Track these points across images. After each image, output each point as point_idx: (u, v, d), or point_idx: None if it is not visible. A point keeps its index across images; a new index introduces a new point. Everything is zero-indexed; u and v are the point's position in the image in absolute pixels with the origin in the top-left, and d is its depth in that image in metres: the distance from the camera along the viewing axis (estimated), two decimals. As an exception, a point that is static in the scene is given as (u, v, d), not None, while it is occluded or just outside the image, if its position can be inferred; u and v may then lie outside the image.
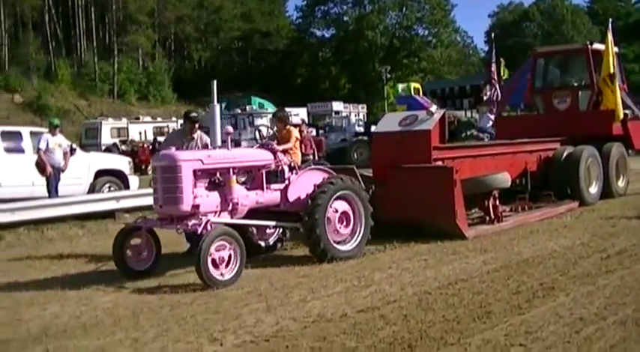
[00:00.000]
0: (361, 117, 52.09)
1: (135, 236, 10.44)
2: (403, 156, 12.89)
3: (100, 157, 22.06)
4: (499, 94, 22.33)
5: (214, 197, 10.23)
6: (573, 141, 16.96)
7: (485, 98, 25.85)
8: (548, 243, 11.68)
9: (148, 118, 50.84)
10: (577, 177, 16.03)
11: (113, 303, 8.84)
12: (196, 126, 12.02)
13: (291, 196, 11.07)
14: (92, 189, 19.02)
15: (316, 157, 23.72)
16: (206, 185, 10.27)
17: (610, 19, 20.09)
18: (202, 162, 10.14)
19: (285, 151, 11.40)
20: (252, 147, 12.42)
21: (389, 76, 65.42)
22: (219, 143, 11.08)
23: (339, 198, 11.02)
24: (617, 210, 15.24)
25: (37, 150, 17.23)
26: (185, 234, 11.06)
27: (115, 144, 42.33)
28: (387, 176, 12.85)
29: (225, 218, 10.29)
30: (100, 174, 19.48)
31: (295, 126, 12.71)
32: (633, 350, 6.26)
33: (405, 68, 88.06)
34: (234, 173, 10.48)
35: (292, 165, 11.36)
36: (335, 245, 10.95)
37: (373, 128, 26.00)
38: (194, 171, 10.01)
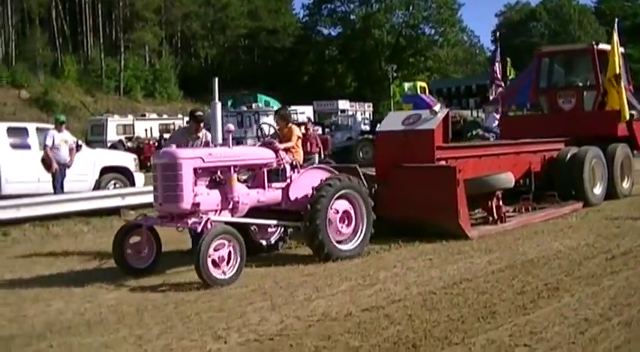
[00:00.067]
0: (367, 115, 52.10)
1: (135, 233, 10.43)
2: (406, 156, 12.86)
3: (105, 154, 22.07)
4: (502, 93, 22.37)
5: (215, 195, 10.21)
6: (578, 142, 16.90)
7: (491, 98, 25.88)
8: (553, 243, 11.67)
9: (154, 115, 50.85)
10: (581, 178, 15.97)
11: (117, 300, 8.85)
12: (202, 125, 12.01)
13: (293, 195, 11.05)
14: (97, 186, 19.01)
15: (322, 155, 23.80)
16: (207, 183, 10.25)
17: (616, 19, 19.99)
18: (203, 160, 10.12)
19: (287, 150, 11.35)
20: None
21: (395, 74, 65.47)
22: (220, 141, 11.04)
23: (340, 197, 10.99)
24: (622, 210, 15.22)
25: (44, 147, 17.23)
26: (189, 231, 11.06)
27: (120, 141, 42.29)
28: (390, 175, 12.82)
29: (226, 216, 10.27)
30: (105, 170, 19.46)
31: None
32: (638, 351, 6.26)
33: (411, 67, 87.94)
34: (235, 171, 10.46)
35: (294, 163, 11.32)
36: (337, 245, 10.93)
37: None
38: (195, 169, 9.99)
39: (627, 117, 17.54)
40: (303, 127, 24.64)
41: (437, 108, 13.99)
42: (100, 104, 63.77)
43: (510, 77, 30.57)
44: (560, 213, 14.98)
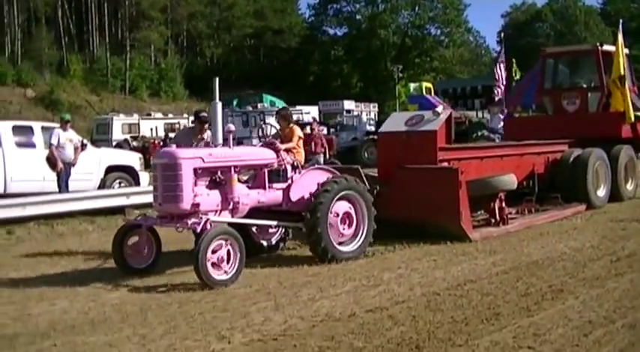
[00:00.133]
0: (372, 116, 52.04)
1: (135, 233, 10.42)
2: (409, 157, 12.84)
3: (110, 153, 22.08)
4: (504, 92, 22.39)
5: (215, 196, 10.19)
6: (582, 143, 16.83)
7: (496, 99, 25.86)
8: (558, 245, 11.66)
9: (160, 115, 50.82)
10: (584, 180, 15.92)
11: (121, 300, 8.87)
12: (206, 126, 11.99)
13: (294, 196, 11.02)
14: (102, 185, 19.04)
15: (327, 156, 23.80)
16: (207, 183, 10.23)
17: (621, 20, 19.98)
18: (203, 160, 10.10)
19: (288, 150, 11.32)
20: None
21: (401, 75, 65.41)
22: (220, 141, 10.99)
23: (342, 198, 10.97)
24: (627, 212, 15.19)
25: (49, 145, 17.26)
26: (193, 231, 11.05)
27: (126, 140, 42.28)
28: (392, 176, 12.81)
29: (226, 217, 10.26)
30: (110, 169, 19.49)
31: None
32: (642, 354, 6.26)
33: (416, 67, 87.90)
34: (235, 172, 10.43)
35: (295, 164, 11.29)
36: (338, 246, 10.90)
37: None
38: (194, 170, 9.97)
39: (632, 118, 17.49)
40: (308, 127, 24.68)
41: (439, 109, 13.97)
42: (105, 103, 63.78)
43: (516, 78, 30.57)
44: (563, 215, 14.96)
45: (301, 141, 11.95)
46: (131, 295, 9.16)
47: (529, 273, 9.51)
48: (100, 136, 42.87)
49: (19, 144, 18.02)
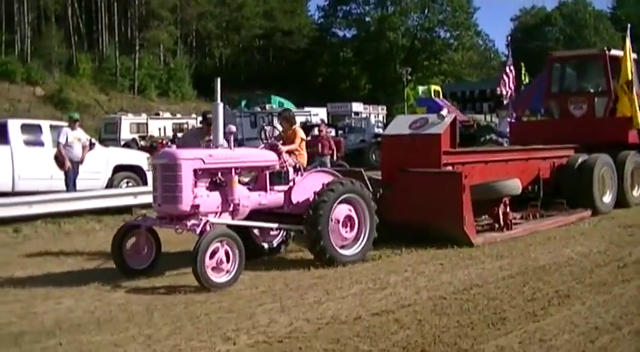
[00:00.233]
0: (380, 118, 52.12)
1: (134, 234, 10.40)
2: (412, 160, 12.79)
3: (118, 152, 22.08)
4: (512, 95, 22.36)
5: (215, 197, 10.13)
6: (588, 149, 16.75)
7: (505, 102, 25.81)
8: (565, 250, 11.63)
9: (168, 114, 50.81)
10: (590, 186, 15.82)
11: (127, 299, 8.88)
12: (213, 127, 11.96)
13: (296, 198, 10.94)
14: (110, 184, 19.06)
15: (335, 157, 23.78)
16: (207, 185, 10.17)
17: (629, 25, 19.87)
18: (203, 161, 10.04)
19: (290, 152, 11.29)
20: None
21: (409, 77, 65.42)
22: (220, 142, 10.94)
23: (343, 201, 10.87)
24: (635, 218, 15.13)
25: (57, 144, 17.31)
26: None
27: (134, 140, 42.27)
28: (395, 179, 12.76)
29: (226, 219, 10.21)
30: (118, 169, 19.51)
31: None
32: (648, 361, 6.24)
33: (425, 70, 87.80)
34: (236, 173, 10.37)
35: (297, 166, 11.25)
36: (339, 250, 10.82)
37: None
38: (195, 171, 9.93)
39: (639, 124, 17.42)
40: (316, 129, 24.68)
41: (444, 112, 13.93)
42: (114, 102, 63.84)
43: (524, 82, 30.53)
44: (567, 221, 14.87)
45: (304, 143, 11.91)
46: (137, 295, 9.16)
47: (536, 278, 9.49)
48: (108, 135, 42.89)
49: (28, 143, 18.06)
